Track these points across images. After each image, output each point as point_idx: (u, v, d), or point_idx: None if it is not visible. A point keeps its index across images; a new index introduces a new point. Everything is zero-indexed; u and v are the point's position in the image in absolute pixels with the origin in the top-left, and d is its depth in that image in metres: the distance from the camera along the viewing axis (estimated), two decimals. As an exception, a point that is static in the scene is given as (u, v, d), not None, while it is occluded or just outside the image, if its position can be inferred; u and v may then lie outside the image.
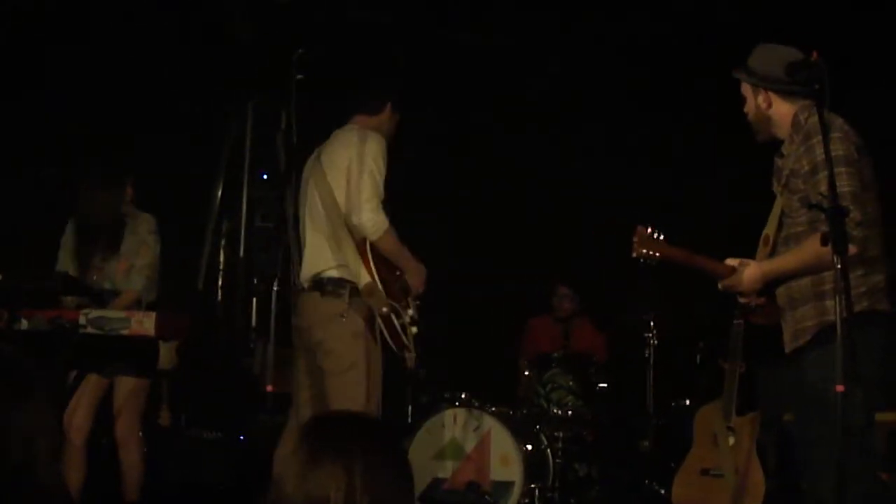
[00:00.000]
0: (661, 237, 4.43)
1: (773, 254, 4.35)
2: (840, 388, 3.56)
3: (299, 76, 4.43)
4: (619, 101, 8.01)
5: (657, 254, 4.41)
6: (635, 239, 4.45)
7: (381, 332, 5.06)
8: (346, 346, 5.00)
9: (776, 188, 4.39)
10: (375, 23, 7.50)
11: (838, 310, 3.59)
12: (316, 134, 5.04)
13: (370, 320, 5.02)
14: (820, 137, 4.01)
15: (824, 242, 3.68)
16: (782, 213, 4.31)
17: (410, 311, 5.23)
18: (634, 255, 4.47)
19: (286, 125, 4.65)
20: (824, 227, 3.80)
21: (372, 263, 5.09)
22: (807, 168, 4.09)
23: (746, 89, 4.37)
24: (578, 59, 7.82)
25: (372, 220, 5.04)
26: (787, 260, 4.22)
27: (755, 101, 4.33)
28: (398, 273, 5.22)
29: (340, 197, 5.10)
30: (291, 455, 2.14)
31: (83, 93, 7.31)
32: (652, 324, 7.01)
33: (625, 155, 8.22)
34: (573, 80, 8.04)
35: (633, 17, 7.50)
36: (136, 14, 7.17)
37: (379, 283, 5.05)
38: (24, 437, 2.23)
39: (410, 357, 5.17)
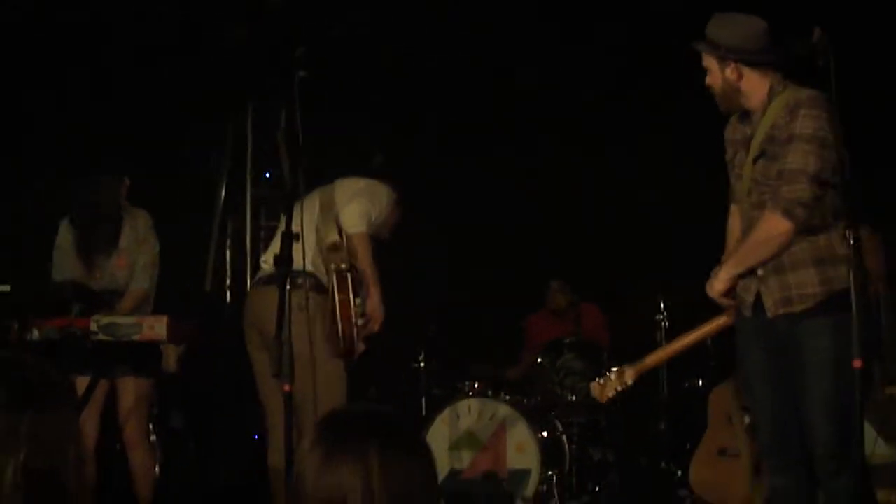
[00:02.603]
0: (619, 371, 4.58)
1: (747, 222, 4.31)
2: (858, 362, 3.58)
3: (301, 73, 4.39)
4: (618, 96, 7.99)
5: (625, 384, 4.54)
6: (594, 395, 4.65)
7: (332, 294, 5.10)
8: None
9: (739, 157, 4.32)
10: (370, 24, 7.50)
11: (853, 284, 3.62)
12: (317, 132, 5.03)
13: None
14: (806, 111, 4.03)
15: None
16: (753, 180, 4.22)
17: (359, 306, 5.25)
18: (603, 402, 4.69)
19: (287, 124, 4.62)
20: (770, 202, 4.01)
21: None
22: (784, 136, 4.06)
23: (710, 62, 4.24)
24: (572, 56, 7.79)
25: (357, 214, 5.23)
26: (746, 255, 4.19)
27: (722, 73, 4.21)
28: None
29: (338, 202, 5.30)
30: (308, 453, 2.13)
31: (81, 95, 7.29)
32: (662, 305, 7.00)
33: (620, 145, 8.20)
34: (566, 78, 8.02)
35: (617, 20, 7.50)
36: (133, 15, 7.15)
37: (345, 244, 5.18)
38: (54, 445, 2.23)
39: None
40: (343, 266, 5.11)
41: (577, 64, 7.71)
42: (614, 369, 4.60)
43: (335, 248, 5.16)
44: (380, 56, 7.72)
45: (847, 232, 3.70)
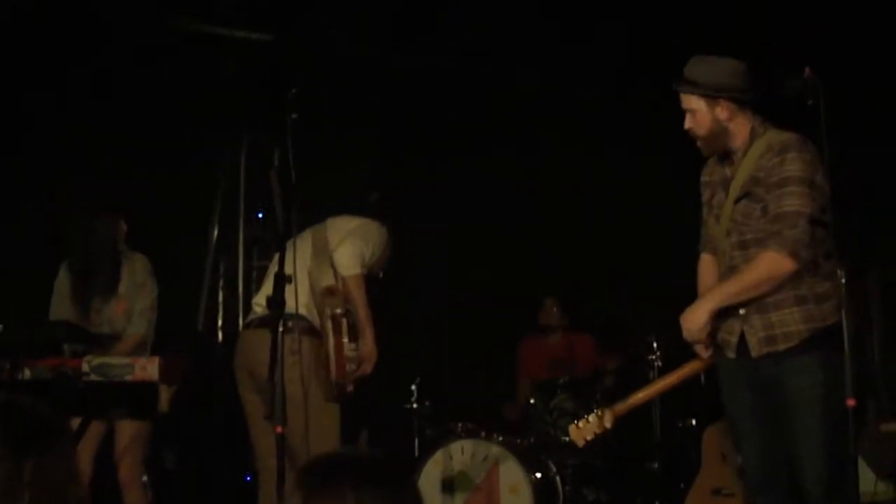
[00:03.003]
0: (596, 414, 4.57)
1: (727, 262, 4.31)
2: (851, 401, 3.60)
3: (294, 115, 4.39)
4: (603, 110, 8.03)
5: (604, 428, 4.54)
6: (573, 439, 4.67)
7: (327, 338, 5.12)
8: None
9: (718, 198, 4.36)
10: (370, 24, 7.51)
11: (845, 322, 3.64)
12: (309, 171, 5.02)
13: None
14: (794, 154, 4.07)
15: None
16: (733, 221, 4.26)
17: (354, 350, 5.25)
18: (581, 445, 4.68)
19: (280, 163, 4.61)
20: (774, 244, 4.02)
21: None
22: (774, 179, 4.09)
23: (697, 102, 4.24)
24: (572, 56, 7.81)
25: (349, 256, 5.25)
26: (741, 290, 4.16)
27: (712, 113, 4.22)
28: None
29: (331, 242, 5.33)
30: (289, 497, 2.12)
31: (73, 134, 7.28)
32: (655, 345, 6.98)
33: (620, 145, 8.20)
34: (566, 78, 8.04)
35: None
36: (133, 15, 7.15)
37: (340, 288, 5.21)
38: (55, 487, 2.22)
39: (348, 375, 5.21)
40: (338, 311, 5.13)
41: (577, 64, 7.72)
42: (591, 413, 4.59)
43: (331, 292, 5.18)
44: (380, 56, 7.72)
45: (839, 271, 3.72)
